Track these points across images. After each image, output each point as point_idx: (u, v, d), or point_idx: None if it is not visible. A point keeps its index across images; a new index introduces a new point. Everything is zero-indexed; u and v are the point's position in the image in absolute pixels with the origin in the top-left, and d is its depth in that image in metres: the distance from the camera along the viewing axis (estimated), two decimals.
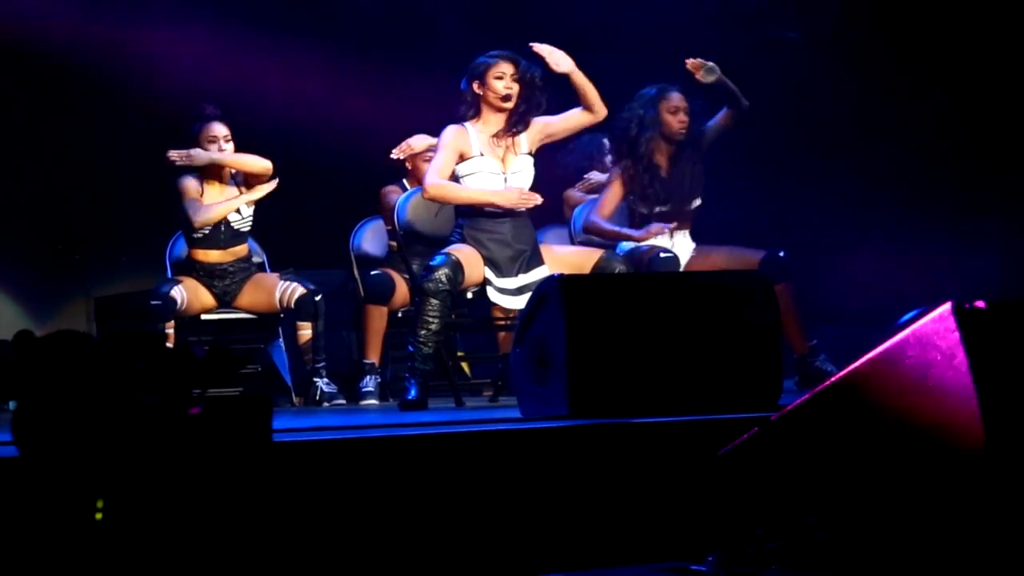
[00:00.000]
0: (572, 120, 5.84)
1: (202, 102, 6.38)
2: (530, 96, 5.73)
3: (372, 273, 6.46)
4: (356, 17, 7.96)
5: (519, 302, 5.59)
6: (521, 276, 5.66)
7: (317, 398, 6.21)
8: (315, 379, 6.26)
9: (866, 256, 8.14)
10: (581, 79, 5.73)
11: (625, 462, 3.61)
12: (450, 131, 5.74)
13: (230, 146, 6.31)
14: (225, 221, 6.32)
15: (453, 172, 5.72)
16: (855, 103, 8.37)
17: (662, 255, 6.05)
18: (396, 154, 6.57)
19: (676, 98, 6.27)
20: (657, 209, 6.23)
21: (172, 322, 6.17)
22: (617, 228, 6.14)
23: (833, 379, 3.02)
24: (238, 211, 6.34)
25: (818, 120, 8.43)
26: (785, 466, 3.03)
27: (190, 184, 6.30)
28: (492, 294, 5.66)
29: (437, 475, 3.39)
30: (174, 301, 6.15)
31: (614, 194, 6.26)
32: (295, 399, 6.35)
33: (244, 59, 7.86)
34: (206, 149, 6.29)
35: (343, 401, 6.22)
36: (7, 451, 2.82)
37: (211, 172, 6.33)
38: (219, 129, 6.31)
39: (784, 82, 8.28)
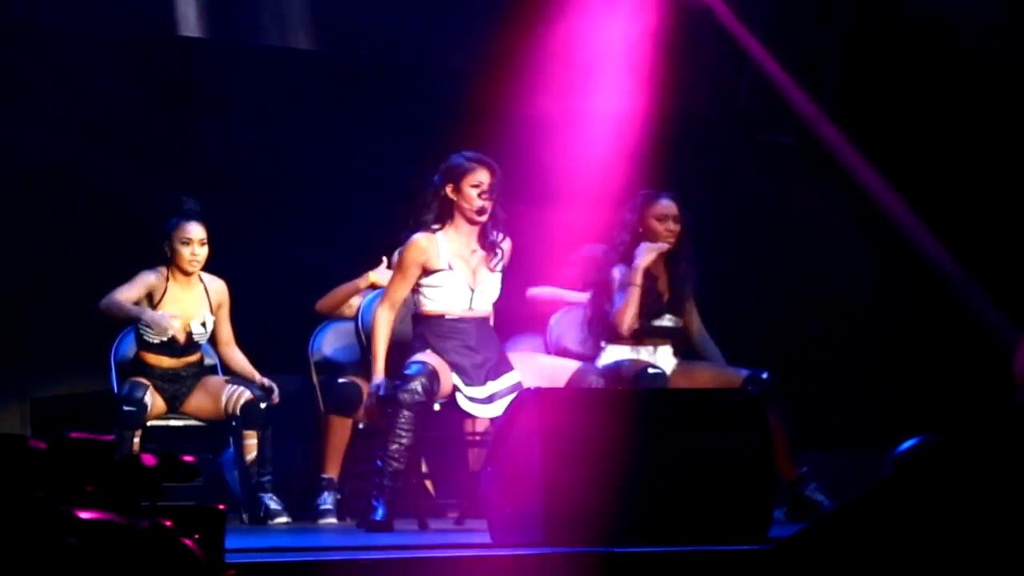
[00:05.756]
0: None
1: (182, 195, 6.13)
2: (496, 212, 5.53)
3: (339, 381, 6.20)
4: (331, 110, 7.86)
5: (490, 410, 5.43)
6: (490, 384, 5.47)
7: (262, 515, 5.92)
8: (260, 494, 5.99)
9: (856, 378, 7.99)
10: None
11: None
12: (415, 245, 5.50)
13: (204, 250, 6.09)
14: (188, 332, 6.07)
15: (416, 287, 5.53)
16: (839, 212, 8.27)
17: (650, 371, 5.81)
18: None
19: (664, 205, 6.03)
20: (653, 323, 5.98)
21: (139, 430, 5.92)
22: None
23: (832, 511, 2.89)
24: (202, 324, 6.11)
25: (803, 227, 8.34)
26: None
27: (147, 278, 6.05)
28: (463, 402, 5.45)
29: None
30: (146, 407, 5.90)
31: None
32: (244, 515, 6.05)
33: (210, 143, 7.65)
34: (177, 249, 6.06)
35: (288, 519, 5.92)
36: None
37: (178, 276, 6.08)
38: (195, 231, 6.07)
39: (774, 188, 8.18)
